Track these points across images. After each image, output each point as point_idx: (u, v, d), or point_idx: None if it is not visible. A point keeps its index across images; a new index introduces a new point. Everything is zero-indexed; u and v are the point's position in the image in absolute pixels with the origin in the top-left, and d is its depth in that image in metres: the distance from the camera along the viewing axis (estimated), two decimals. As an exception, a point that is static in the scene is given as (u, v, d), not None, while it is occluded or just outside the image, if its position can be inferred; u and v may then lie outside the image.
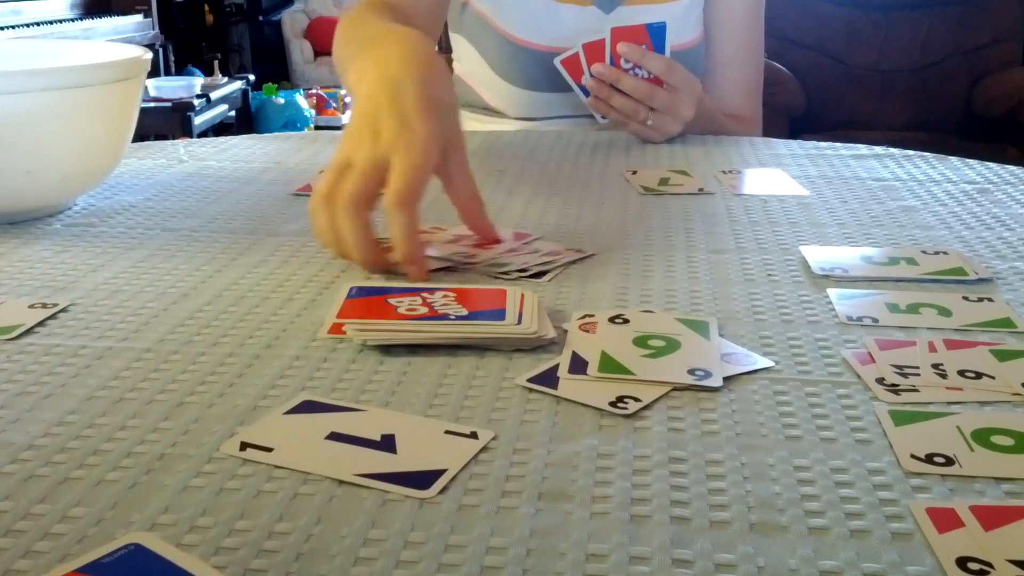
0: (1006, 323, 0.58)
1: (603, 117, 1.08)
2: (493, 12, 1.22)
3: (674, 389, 0.49)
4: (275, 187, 0.88)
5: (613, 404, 0.47)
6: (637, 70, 1.03)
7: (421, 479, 0.41)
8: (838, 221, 0.78)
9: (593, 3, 1.19)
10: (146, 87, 2.56)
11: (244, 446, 0.43)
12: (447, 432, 0.45)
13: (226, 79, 4.20)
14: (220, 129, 3.96)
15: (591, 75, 1.04)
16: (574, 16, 1.18)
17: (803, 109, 3.24)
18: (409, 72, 0.66)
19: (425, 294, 0.58)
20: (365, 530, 0.37)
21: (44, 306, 0.59)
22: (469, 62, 1.27)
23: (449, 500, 0.39)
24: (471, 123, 1.28)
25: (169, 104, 3.57)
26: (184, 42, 4.87)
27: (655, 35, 1.03)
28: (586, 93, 1.06)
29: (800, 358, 0.53)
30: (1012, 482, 0.41)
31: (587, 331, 0.55)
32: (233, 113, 4.16)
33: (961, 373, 0.51)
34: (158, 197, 0.85)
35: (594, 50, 1.04)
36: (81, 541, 0.37)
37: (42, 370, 0.51)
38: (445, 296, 0.58)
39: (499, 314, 0.55)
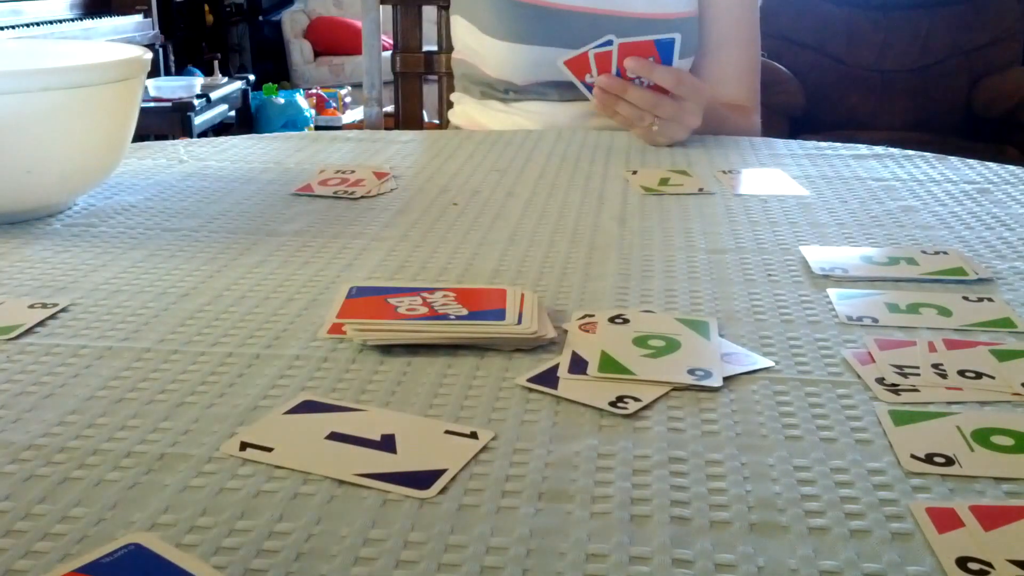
0: (1006, 323, 0.58)
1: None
2: None
3: (674, 389, 0.49)
4: (275, 187, 0.88)
5: (613, 404, 0.47)
6: (643, 80, 1.03)
7: (421, 479, 0.41)
8: (838, 221, 0.78)
9: None
10: (146, 87, 2.56)
11: (244, 446, 0.43)
12: (447, 432, 0.45)
13: (226, 79, 4.20)
14: (220, 129, 3.96)
15: (596, 84, 1.04)
16: None
17: (803, 109, 3.24)
18: None
19: (425, 294, 0.58)
20: (365, 530, 0.37)
21: (44, 306, 0.59)
22: (464, 37, 1.26)
23: (449, 500, 0.39)
24: (471, 108, 1.27)
25: (169, 104, 3.57)
26: (184, 42, 4.87)
27: (663, 49, 1.03)
28: (590, 90, 1.06)
29: (800, 358, 0.53)
30: (1012, 482, 0.41)
31: (587, 331, 0.55)
32: (233, 113, 4.16)
33: (961, 373, 0.50)
34: (158, 197, 0.85)
35: (602, 60, 1.04)
36: (81, 541, 0.37)
37: (42, 370, 0.51)
38: (445, 296, 0.58)
39: (499, 314, 0.55)
